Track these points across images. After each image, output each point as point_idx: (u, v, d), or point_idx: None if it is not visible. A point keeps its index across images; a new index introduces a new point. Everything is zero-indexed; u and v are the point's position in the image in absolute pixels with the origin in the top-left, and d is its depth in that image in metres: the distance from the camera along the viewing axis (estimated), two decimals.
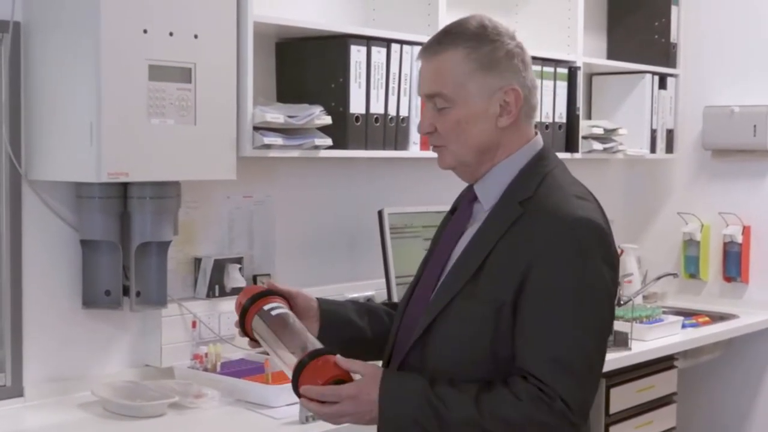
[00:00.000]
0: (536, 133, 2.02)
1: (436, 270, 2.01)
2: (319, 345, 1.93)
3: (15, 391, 2.80)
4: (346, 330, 2.12)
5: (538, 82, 3.03)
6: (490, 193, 1.98)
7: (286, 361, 1.94)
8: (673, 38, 4.65)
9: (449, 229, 2.06)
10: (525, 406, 1.82)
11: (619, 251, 2.06)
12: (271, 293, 2.06)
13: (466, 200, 2.05)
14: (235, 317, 2.05)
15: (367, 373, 1.89)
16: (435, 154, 2.03)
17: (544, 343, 1.83)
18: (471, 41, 1.94)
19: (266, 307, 2.02)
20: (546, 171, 1.97)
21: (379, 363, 2.06)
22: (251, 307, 2.02)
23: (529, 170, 1.97)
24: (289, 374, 1.91)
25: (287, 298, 2.07)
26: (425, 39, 3.45)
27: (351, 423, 1.91)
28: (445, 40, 1.96)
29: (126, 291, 2.89)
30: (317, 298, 2.13)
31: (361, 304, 2.24)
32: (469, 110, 1.94)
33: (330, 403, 1.86)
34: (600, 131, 4.28)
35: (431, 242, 2.16)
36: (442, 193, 2.77)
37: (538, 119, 3.74)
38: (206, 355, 3.01)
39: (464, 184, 2.11)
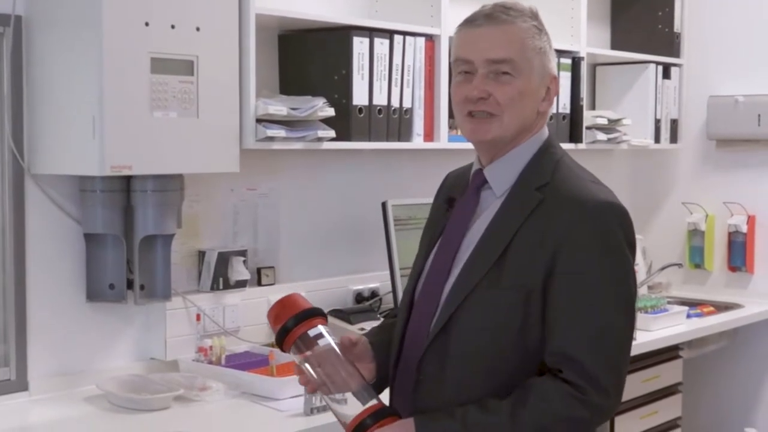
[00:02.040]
0: None
1: (445, 260, 1.98)
2: (362, 392, 1.90)
3: (20, 385, 2.80)
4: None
5: None
6: (502, 178, 1.98)
7: (335, 408, 1.92)
8: (676, 28, 4.64)
9: (455, 218, 2.03)
10: (560, 409, 1.83)
11: None
12: (315, 313, 1.95)
13: (472, 188, 2.03)
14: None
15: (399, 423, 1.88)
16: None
17: (581, 325, 1.84)
18: (536, 22, 1.98)
19: (311, 333, 1.92)
20: (557, 158, 2.00)
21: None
22: (294, 329, 1.92)
23: (541, 157, 1.99)
24: (330, 404, 1.92)
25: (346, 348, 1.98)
26: (428, 30, 3.49)
27: None
28: (513, 13, 1.96)
29: (130, 284, 2.89)
30: (365, 337, 2.09)
31: (391, 322, 2.16)
32: (530, 84, 1.95)
33: None
34: (604, 121, 4.27)
35: (424, 233, 2.13)
36: None
37: None
38: (211, 348, 3.01)
39: (443, 174, 2.13)
